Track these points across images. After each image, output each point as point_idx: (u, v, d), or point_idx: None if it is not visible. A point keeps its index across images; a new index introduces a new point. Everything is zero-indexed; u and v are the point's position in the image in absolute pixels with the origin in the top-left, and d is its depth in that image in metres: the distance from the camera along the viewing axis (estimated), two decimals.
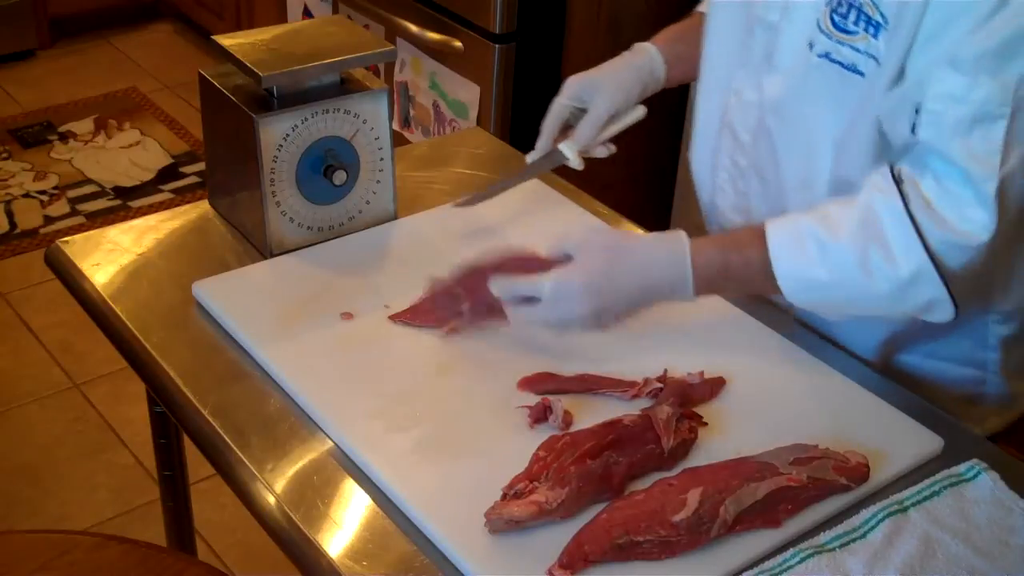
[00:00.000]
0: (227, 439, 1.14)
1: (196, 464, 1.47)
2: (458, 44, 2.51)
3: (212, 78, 1.41)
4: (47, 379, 2.69)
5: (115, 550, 1.25)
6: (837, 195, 1.21)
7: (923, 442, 1.16)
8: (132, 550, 1.25)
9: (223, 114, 1.41)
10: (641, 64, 1.40)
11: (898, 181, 1.12)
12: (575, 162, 1.38)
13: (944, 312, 1.14)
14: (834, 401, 1.21)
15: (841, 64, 1.16)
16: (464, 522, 1.02)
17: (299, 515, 1.06)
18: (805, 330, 1.33)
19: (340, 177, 1.40)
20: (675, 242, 1.19)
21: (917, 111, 1.10)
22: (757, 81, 1.27)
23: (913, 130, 1.11)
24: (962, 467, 1.11)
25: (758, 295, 1.31)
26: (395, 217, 1.49)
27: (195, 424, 1.18)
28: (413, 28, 2.59)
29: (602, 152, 1.41)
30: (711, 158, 1.38)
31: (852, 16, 1.14)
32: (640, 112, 1.41)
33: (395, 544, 1.03)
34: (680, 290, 1.18)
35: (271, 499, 1.08)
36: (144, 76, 4.03)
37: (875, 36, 1.13)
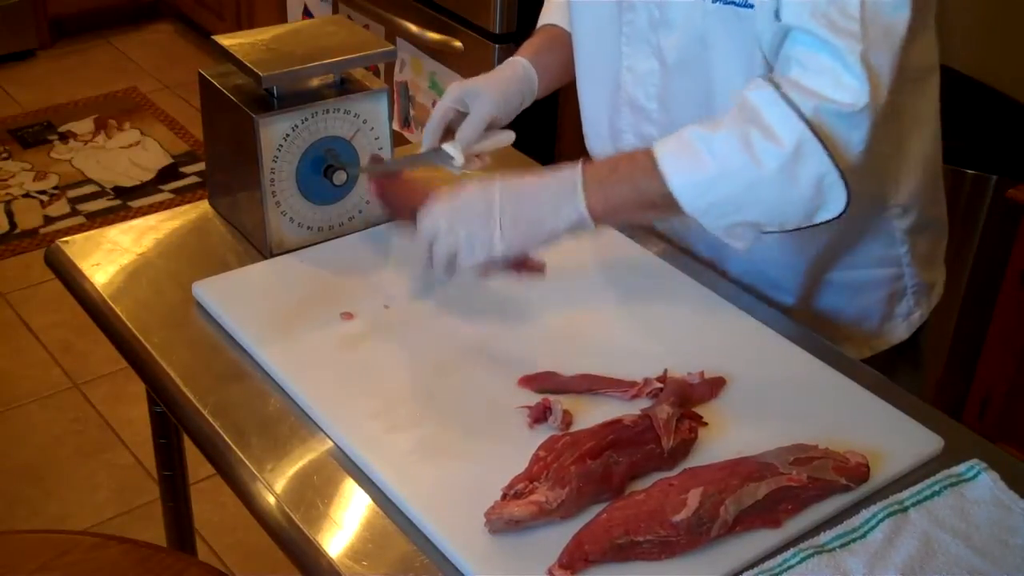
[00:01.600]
0: (227, 439, 1.14)
1: (196, 464, 1.47)
2: (458, 44, 2.51)
3: (212, 78, 1.41)
4: (47, 379, 2.69)
5: (115, 550, 1.25)
6: None
7: (923, 442, 1.16)
8: (132, 550, 1.25)
9: (223, 114, 1.41)
10: (516, 76, 1.44)
11: (770, 77, 1.16)
12: (459, 160, 1.39)
13: (837, 194, 1.14)
14: (834, 401, 1.21)
15: (734, 3, 1.20)
16: (464, 522, 1.02)
17: (299, 515, 1.06)
18: (805, 330, 1.34)
19: (340, 177, 1.40)
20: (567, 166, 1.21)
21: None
22: (652, 49, 1.31)
23: (777, 16, 1.16)
24: (962, 467, 1.11)
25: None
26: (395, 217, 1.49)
27: (195, 424, 1.18)
28: (413, 28, 2.59)
29: (476, 163, 1.42)
30: (610, 139, 1.42)
31: None
32: (509, 137, 1.44)
33: (395, 544, 1.03)
34: (567, 194, 1.18)
35: (271, 499, 1.08)
36: (144, 76, 4.03)
37: None
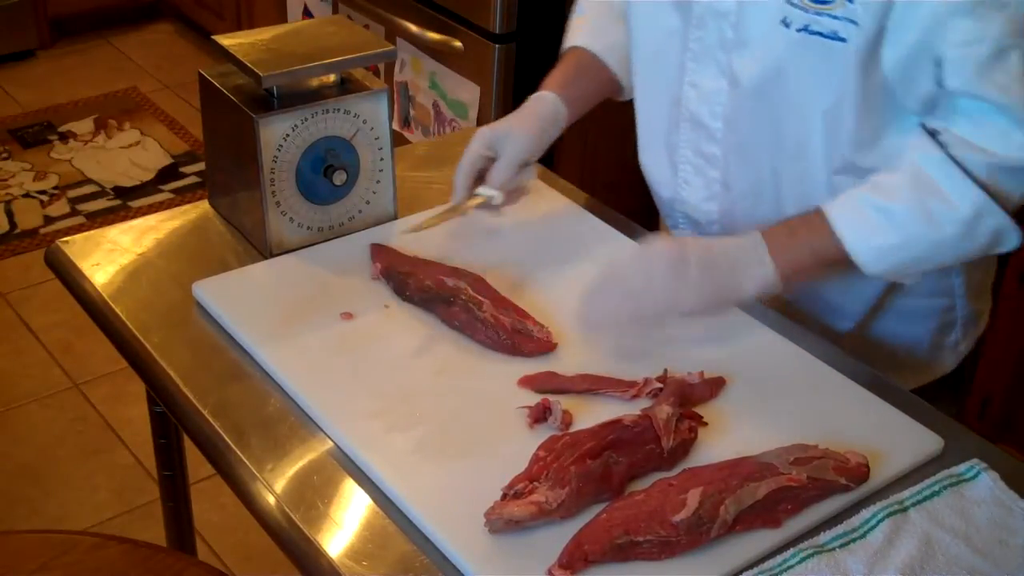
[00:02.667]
0: (227, 439, 1.14)
1: (196, 464, 1.47)
2: (458, 44, 2.51)
3: (212, 78, 1.41)
4: (47, 379, 2.69)
5: (115, 550, 1.25)
6: (830, 163, 1.27)
7: (923, 442, 1.16)
8: (132, 550, 1.25)
9: (223, 114, 1.41)
10: (545, 112, 1.43)
11: (932, 134, 1.18)
12: (499, 199, 1.40)
13: (1011, 239, 1.20)
14: (834, 401, 1.21)
15: (822, 34, 1.19)
16: (464, 522, 1.02)
17: (299, 515, 1.06)
18: (805, 330, 1.33)
19: (340, 177, 1.40)
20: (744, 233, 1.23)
21: (939, 64, 1.15)
22: (721, 68, 1.29)
23: (940, 83, 1.16)
24: (962, 467, 1.11)
25: None
26: (395, 217, 1.49)
27: (195, 424, 1.18)
28: (413, 28, 2.59)
29: (512, 198, 1.44)
30: (666, 154, 1.41)
31: None
32: (533, 173, 1.45)
33: (395, 544, 1.03)
34: (756, 256, 1.20)
35: (271, 499, 1.08)
36: (144, 76, 4.03)
37: (851, 0, 1.16)
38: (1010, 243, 1.20)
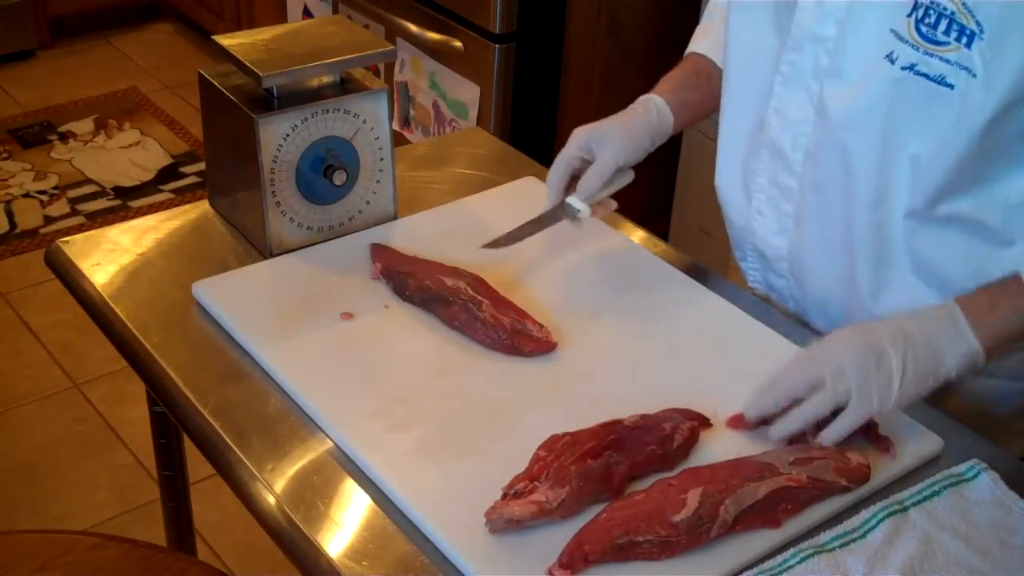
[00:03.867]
0: (227, 439, 1.14)
1: (196, 464, 1.47)
2: (458, 44, 2.51)
3: (212, 78, 1.41)
4: (47, 379, 2.69)
5: (115, 550, 1.25)
6: (910, 215, 1.19)
7: (923, 442, 1.16)
8: (132, 550, 1.25)
9: (223, 114, 1.41)
10: (649, 117, 1.36)
11: None
12: (585, 212, 1.34)
13: None
14: None
15: (927, 76, 1.10)
16: (464, 522, 1.02)
17: (299, 515, 1.06)
18: (805, 330, 1.33)
19: (340, 177, 1.40)
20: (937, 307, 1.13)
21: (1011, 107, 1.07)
22: (811, 97, 1.21)
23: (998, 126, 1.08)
24: (962, 467, 1.11)
25: None
26: (395, 217, 1.49)
27: (195, 424, 1.18)
28: (413, 28, 2.59)
29: (600, 211, 1.38)
30: (741, 180, 1.34)
31: (942, 25, 1.07)
32: (630, 176, 1.38)
33: (395, 544, 1.03)
34: (955, 333, 1.10)
35: (271, 499, 1.08)
36: (144, 76, 4.03)
37: (968, 46, 1.07)
38: None
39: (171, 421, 1.52)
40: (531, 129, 2.52)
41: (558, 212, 1.35)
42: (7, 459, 2.46)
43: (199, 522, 1.81)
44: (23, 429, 2.55)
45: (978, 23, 1.06)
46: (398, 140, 1.75)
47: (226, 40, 1.39)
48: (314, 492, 1.08)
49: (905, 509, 1.06)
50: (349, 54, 1.40)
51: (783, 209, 1.30)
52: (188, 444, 1.33)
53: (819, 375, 1.08)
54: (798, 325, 1.34)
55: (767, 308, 1.36)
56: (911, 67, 1.10)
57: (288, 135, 1.36)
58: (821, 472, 1.07)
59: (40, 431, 2.55)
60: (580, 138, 1.34)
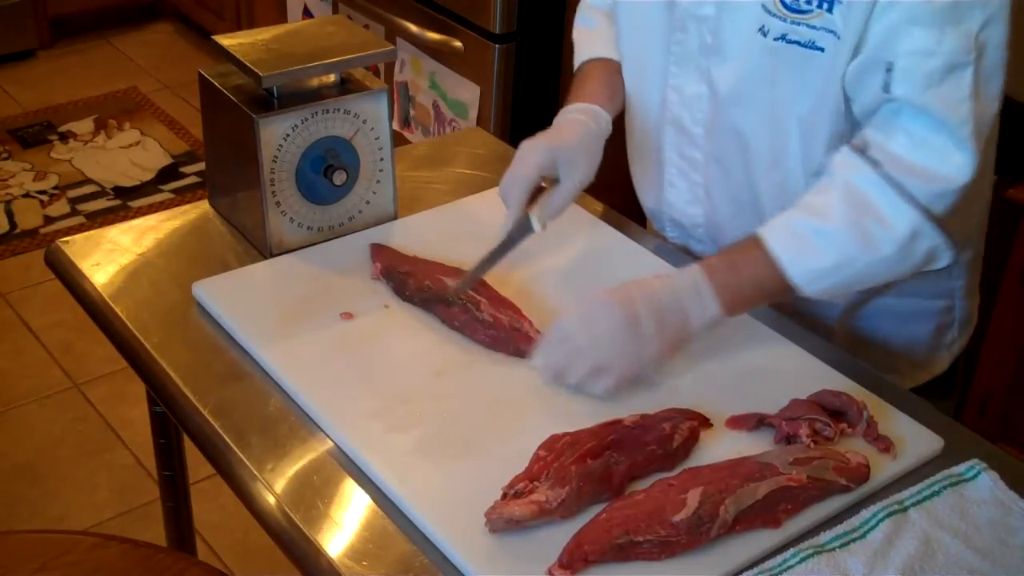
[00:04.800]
0: (227, 439, 1.14)
1: (196, 464, 1.47)
2: (458, 44, 2.51)
3: (212, 78, 1.41)
4: (47, 379, 2.69)
5: (115, 550, 1.25)
6: (807, 170, 1.26)
7: (923, 442, 1.16)
8: (132, 550, 1.25)
9: (223, 114, 1.41)
10: (600, 131, 1.35)
11: (863, 151, 1.17)
12: (539, 230, 1.30)
13: (945, 257, 1.20)
14: None
15: (799, 43, 1.19)
16: (464, 522, 1.02)
17: (299, 515, 1.06)
18: (805, 330, 1.33)
19: (340, 177, 1.40)
20: (681, 266, 1.22)
21: (889, 69, 1.14)
22: (701, 74, 1.29)
23: (886, 88, 1.15)
24: (962, 467, 1.11)
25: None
26: (395, 217, 1.49)
27: (195, 424, 1.18)
28: (413, 28, 2.59)
29: (548, 226, 1.36)
30: (654, 156, 1.40)
31: None
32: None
33: (395, 544, 1.03)
34: (699, 297, 1.18)
35: (271, 499, 1.08)
36: (144, 76, 4.03)
37: (830, 11, 1.15)
38: (944, 260, 1.20)
39: (171, 421, 1.52)
40: (531, 129, 2.51)
41: (521, 230, 1.30)
42: (7, 459, 2.46)
43: (199, 522, 1.81)
44: (23, 429, 2.55)
45: None
46: (398, 140, 1.75)
47: (226, 40, 1.39)
48: (314, 492, 1.08)
49: (905, 509, 1.06)
50: (349, 54, 1.40)
51: (693, 180, 1.37)
52: (188, 444, 1.33)
53: (578, 344, 1.17)
54: (792, 322, 1.34)
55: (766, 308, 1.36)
56: (783, 37, 1.19)
57: (288, 135, 1.36)
58: (821, 472, 1.07)
59: (40, 431, 2.55)
60: (542, 157, 1.29)
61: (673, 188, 1.40)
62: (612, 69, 1.43)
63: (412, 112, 2.76)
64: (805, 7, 1.17)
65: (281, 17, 3.27)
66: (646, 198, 1.47)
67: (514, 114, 2.50)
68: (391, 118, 1.44)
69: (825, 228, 1.17)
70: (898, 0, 1.12)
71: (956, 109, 1.13)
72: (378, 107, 1.42)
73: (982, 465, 1.11)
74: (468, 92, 2.54)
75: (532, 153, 1.30)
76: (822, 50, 1.18)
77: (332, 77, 1.41)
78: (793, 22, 1.18)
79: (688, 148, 1.35)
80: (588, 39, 1.47)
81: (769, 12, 1.19)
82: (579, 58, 1.47)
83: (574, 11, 2.49)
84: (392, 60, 2.62)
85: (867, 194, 1.16)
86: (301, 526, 1.05)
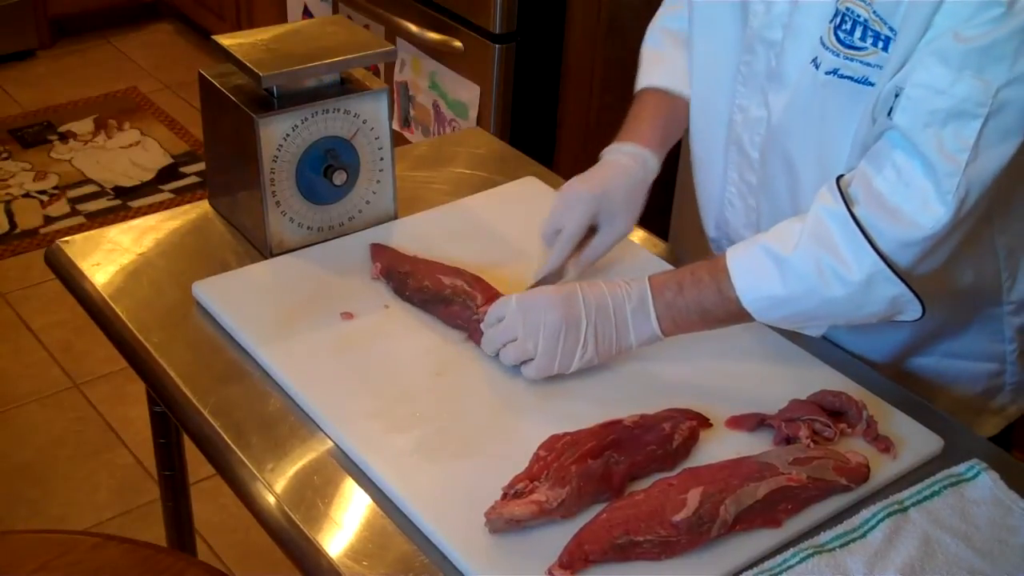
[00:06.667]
0: (227, 439, 1.14)
1: (196, 464, 1.47)
2: (458, 44, 2.51)
3: (212, 78, 1.41)
4: (47, 379, 2.69)
5: (115, 550, 1.25)
6: None
7: (923, 442, 1.16)
8: (132, 550, 1.25)
9: (223, 114, 1.41)
10: (646, 178, 1.36)
11: (846, 185, 1.12)
12: (572, 278, 1.32)
13: (912, 310, 1.14)
14: None
15: (851, 79, 1.14)
16: (464, 522, 1.02)
17: (299, 515, 1.06)
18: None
19: (340, 177, 1.40)
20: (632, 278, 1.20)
21: (897, 95, 1.09)
22: (762, 98, 1.26)
23: (890, 113, 1.10)
24: (962, 467, 1.11)
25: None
26: (395, 217, 1.49)
27: (195, 424, 1.18)
28: (413, 28, 2.59)
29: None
30: (720, 175, 1.37)
31: (858, 32, 1.12)
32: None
33: (395, 544, 1.03)
34: (643, 312, 1.18)
35: (271, 499, 1.08)
36: (144, 76, 4.03)
37: (885, 49, 1.11)
38: (912, 313, 1.14)
39: (171, 421, 1.52)
40: (531, 129, 2.52)
41: (555, 277, 1.33)
42: (7, 459, 2.46)
43: (199, 522, 1.81)
44: (23, 429, 2.55)
45: (891, 28, 1.10)
46: (398, 140, 1.75)
47: (226, 40, 1.39)
48: (314, 492, 1.08)
49: (905, 509, 1.06)
50: (349, 54, 1.40)
51: (749, 203, 1.35)
52: (188, 444, 1.33)
53: (514, 331, 1.18)
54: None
55: None
56: (834, 71, 1.15)
57: (288, 135, 1.36)
58: (821, 472, 1.07)
59: (40, 431, 2.55)
60: (588, 205, 1.32)
61: (732, 207, 1.37)
62: (670, 105, 1.41)
63: (412, 112, 2.76)
64: (860, 44, 1.12)
65: (281, 17, 3.27)
66: (707, 222, 1.44)
67: (514, 114, 2.50)
68: (391, 118, 1.44)
69: (783, 256, 1.13)
70: (936, 36, 1.06)
71: (951, 158, 1.06)
72: (378, 107, 1.42)
73: (982, 465, 1.11)
74: (468, 92, 2.53)
75: (578, 204, 1.32)
76: (873, 85, 1.13)
77: (332, 77, 1.41)
78: (847, 58, 1.14)
79: (747, 171, 1.32)
80: (654, 63, 1.45)
81: (824, 45, 1.15)
82: (641, 81, 1.45)
83: (574, 11, 2.51)
84: (392, 60, 2.62)
85: (833, 231, 1.11)
86: (301, 526, 1.05)
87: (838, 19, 1.14)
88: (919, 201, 1.08)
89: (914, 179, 1.08)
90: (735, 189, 1.35)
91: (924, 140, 1.07)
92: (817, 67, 1.16)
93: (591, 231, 1.34)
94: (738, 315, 1.17)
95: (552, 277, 1.33)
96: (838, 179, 1.13)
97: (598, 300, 1.18)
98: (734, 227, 1.38)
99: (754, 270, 1.15)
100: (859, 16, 1.12)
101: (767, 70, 1.24)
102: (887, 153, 1.10)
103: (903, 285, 1.11)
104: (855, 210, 1.10)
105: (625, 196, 1.34)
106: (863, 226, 1.09)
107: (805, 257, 1.12)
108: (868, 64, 1.13)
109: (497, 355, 1.22)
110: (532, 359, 1.19)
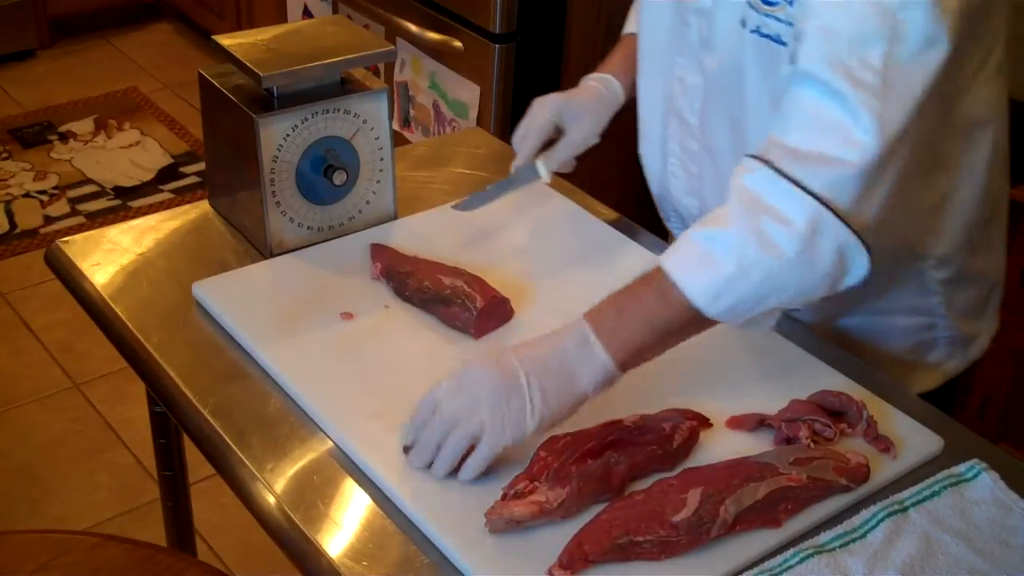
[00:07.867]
0: (227, 439, 1.14)
1: (196, 464, 1.47)
2: (458, 44, 2.51)
3: (212, 78, 1.41)
4: (47, 379, 2.69)
5: (115, 550, 1.25)
6: None
7: (923, 442, 1.16)
8: (132, 550, 1.25)
9: (223, 114, 1.41)
10: (610, 96, 1.47)
11: (760, 154, 1.09)
12: (546, 179, 1.45)
13: (860, 258, 1.08)
14: None
15: (769, 37, 1.18)
16: (464, 522, 1.02)
17: (299, 515, 1.06)
18: (805, 329, 1.33)
19: (340, 177, 1.40)
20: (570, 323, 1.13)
21: (798, 39, 1.08)
22: (698, 65, 1.30)
23: (793, 60, 1.09)
24: (962, 467, 1.11)
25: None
26: (395, 217, 1.49)
27: (195, 424, 1.18)
28: (413, 28, 2.59)
29: (566, 167, 1.48)
30: (660, 146, 1.41)
31: None
32: (594, 141, 1.48)
33: (395, 544, 1.03)
34: (587, 351, 1.09)
35: (271, 499, 1.08)
36: (144, 76, 4.03)
37: (791, 3, 1.14)
38: (858, 264, 1.08)
39: (171, 421, 1.52)
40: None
41: (527, 173, 1.44)
42: (7, 459, 2.46)
43: (199, 522, 1.81)
44: (23, 429, 2.55)
45: None
46: (398, 140, 1.75)
47: (226, 40, 1.39)
48: (314, 492, 1.08)
49: (905, 509, 1.06)
50: (349, 54, 1.40)
51: (691, 171, 1.38)
52: (188, 444, 1.33)
53: (454, 414, 1.07)
54: (792, 322, 1.34)
55: None
56: (756, 29, 1.19)
57: (288, 135, 1.36)
58: (821, 472, 1.07)
59: (40, 431, 2.55)
60: (552, 105, 1.44)
61: (675, 178, 1.41)
62: (633, 46, 1.48)
63: (412, 112, 2.76)
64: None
65: (281, 17, 3.27)
66: (653, 186, 1.48)
67: (514, 114, 2.50)
68: (391, 118, 1.44)
69: (716, 233, 1.08)
70: None
71: (862, 86, 1.03)
72: (378, 107, 1.42)
73: (982, 465, 1.11)
74: (468, 92, 2.53)
75: (544, 105, 1.44)
76: (785, 45, 1.16)
77: (332, 77, 1.41)
78: (765, 14, 1.17)
79: (688, 139, 1.36)
80: (633, 13, 1.55)
81: (749, 4, 1.19)
82: (624, 30, 1.55)
83: (574, 11, 2.50)
84: (392, 60, 2.62)
85: (762, 194, 1.06)
86: (301, 526, 1.05)
87: None
88: (839, 139, 1.05)
89: (829, 120, 1.05)
90: (676, 160, 1.39)
91: (832, 76, 1.05)
92: (744, 26, 1.20)
93: (559, 133, 1.44)
94: (689, 319, 1.10)
95: (524, 173, 1.43)
96: (748, 154, 1.10)
97: (531, 353, 1.09)
98: (676, 196, 1.42)
99: (692, 260, 1.09)
100: None
101: (700, 38, 1.28)
102: (794, 107, 1.08)
103: (847, 228, 1.06)
104: (779, 166, 1.06)
105: (589, 103, 1.45)
106: (792, 176, 1.05)
107: (741, 228, 1.07)
108: (779, 20, 1.16)
109: (430, 467, 1.09)
110: (480, 439, 1.07)
